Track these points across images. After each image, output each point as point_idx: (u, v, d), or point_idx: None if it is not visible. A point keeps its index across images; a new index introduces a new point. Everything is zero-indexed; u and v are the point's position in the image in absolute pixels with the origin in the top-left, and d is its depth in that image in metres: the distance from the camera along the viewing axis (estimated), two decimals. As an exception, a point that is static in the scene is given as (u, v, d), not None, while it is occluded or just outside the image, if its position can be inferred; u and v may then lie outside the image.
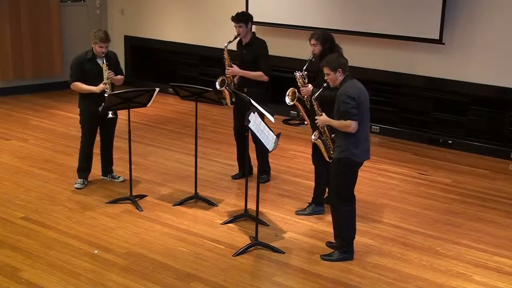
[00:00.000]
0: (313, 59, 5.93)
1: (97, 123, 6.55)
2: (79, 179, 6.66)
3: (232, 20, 6.62)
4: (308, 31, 8.90)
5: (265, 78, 6.61)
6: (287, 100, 5.83)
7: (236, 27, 6.59)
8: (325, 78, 5.19)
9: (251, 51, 6.63)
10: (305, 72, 5.89)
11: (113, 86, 6.40)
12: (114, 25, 11.69)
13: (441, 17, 8.03)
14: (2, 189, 6.57)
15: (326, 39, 5.88)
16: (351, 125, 5.00)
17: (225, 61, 6.69)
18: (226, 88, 6.68)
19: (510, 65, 7.89)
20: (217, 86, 6.68)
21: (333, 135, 5.38)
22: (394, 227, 5.96)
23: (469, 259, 5.38)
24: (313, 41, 5.91)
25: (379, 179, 7.23)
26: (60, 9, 10.86)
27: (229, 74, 6.67)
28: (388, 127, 8.96)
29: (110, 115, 6.26)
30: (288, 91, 5.86)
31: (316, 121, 5.40)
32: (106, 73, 6.29)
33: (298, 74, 5.87)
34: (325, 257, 5.28)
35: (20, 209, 6.09)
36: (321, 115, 5.35)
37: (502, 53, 7.92)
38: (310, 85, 5.84)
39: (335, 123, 5.11)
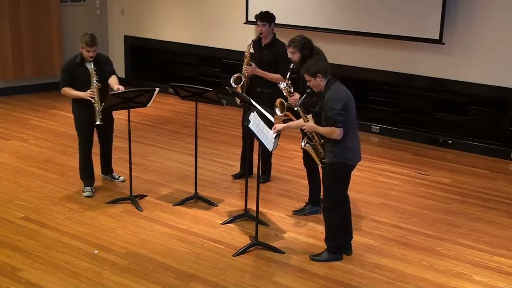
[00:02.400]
0: (293, 67, 5.87)
1: (92, 126, 6.41)
2: (86, 187, 6.50)
3: (255, 19, 6.58)
4: (308, 31, 8.93)
5: (284, 81, 6.60)
6: (277, 111, 5.75)
7: (259, 26, 6.54)
8: (308, 84, 5.17)
9: (271, 52, 6.59)
10: (289, 82, 5.86)
11: (104, 91, 6.24)
12: (114, 25, 11.69)
13: (441, 17, 8.02)
14: (2, 189, 6.57)
15: (304, 45, 5.76)
16: (335, 132, 4.96)
17: (244, 58, 6.62)
18: (241, 86, 6.63)
19: (510, 65, 7.90)
20: (232, 83, 6.63)
21: (322, 140, 5.35)
22: (394, 227, 5.96)
23: (469, 259, 5.38)
24: (291, 49, 5.80)
25: (379, 179, 7.24)
26: (60, 9, 10.86)
27: (247, 73, 6.60)
28: (388, 127, 8.96)
29: (98, 122, 6.14)
30: (276, 102, 5.78)
31: (303, 128, 5.35)
32: (94, 79, 6.16)
33: (282, 85, 5.82)
34: (315, 257, 5.29)
35: (20, 209, 6.09)
36: (308, 121, 5.33)
37: (502, 53, 7.92)
38: (296, 94, 5.81)
39: (321, 129, 5.10)
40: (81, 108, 6.31)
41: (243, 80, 6.61)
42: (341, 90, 5.06)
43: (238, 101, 6.62)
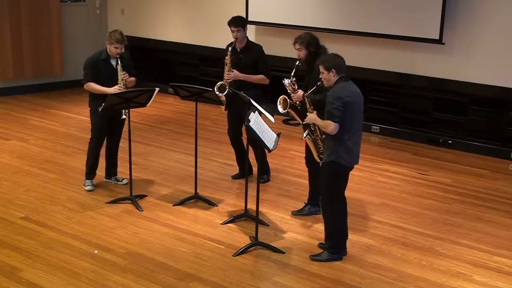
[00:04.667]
0: (299, 64, 5.85)
1: (106, 124, 6.49)
2: (88, 180, 6.59)
3: (229, 25, 6.57)
4: (308, 31, 8.93)
5: (267, 81, 6.64)
6: (280, 108, 5.69)
7: (234, 32, 6.54)
8: (320, 76, 5.16)
9: (249, 55, 6.60)
10: (294, 79, 5.80)
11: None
12: (114, 25, 11.64)
13: (441, 17, 8.02)
14: (2, 189, 6.57)
15: (310, 43, 5.77)
16: (329, 126, 4.94)
17: (225, 66, 6.61)
18: (224, 95, 6.61)
19: (510, 65, 7.90)
20: (216, 92, 6.60)
21: (323, 136, 5.34)
22: (394, 227, 5.96)
23: (469, 259, 5.38)
24: (297, 46, 5.80)
25: (379, 179, 7.24)
26: (60, 9, 10.86)
27: (230, 79, 6.59)
28: (388, 127, 8.96)
29: (123, 116, 6.21)
30: (279, 99, 5.73)
31: (305, 119, 5.37)
32: (121, 74, 6.23)
33: (286, 81, 5.76)
34: (315, 258, 5.29)
35: (20, 209, 6.09)
36: (312, 112, 5.33)
37: (502, 53, 7.92)
38: (300, 91, 5.78)
39: (319, 121, 5.12)
40: (100, 104, 6.27)
41: (227, 89, 6.52)
42: (347, 88, 5.03)
43: (223, 108, 6.64)
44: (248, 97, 5.85)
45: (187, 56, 10.85)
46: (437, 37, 8.10)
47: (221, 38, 10.24)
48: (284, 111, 5.68)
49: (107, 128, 6.57)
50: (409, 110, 8.81)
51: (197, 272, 5.02)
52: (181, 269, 5.06)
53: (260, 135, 5.16)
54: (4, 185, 6.70)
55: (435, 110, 8.60)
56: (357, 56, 8.85)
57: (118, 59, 6.25)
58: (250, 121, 5.14)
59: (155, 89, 6.14)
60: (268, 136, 5.30)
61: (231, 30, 6.57)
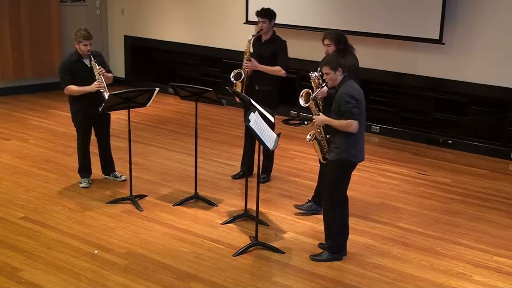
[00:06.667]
0: None
1: (90, 123, 6.55)
2: (83, 179, 6.68)
3: (256, 15, 6.62)
4: (308, 31, 8.95)
5: (283, 72, 6.61)
6: (301, 102, 5.53)
7: (260, 22, 6.58)
8: (324, 77, 5.17)
9: (271, 47, 6.63)
10: (320, 73, 5.75)
11: None
12: (114, 25, 11.69)
13: (441, 17, 8.03)
14: (2, 189, 6.57)
15: (340, 40, 5.83)
16: (352, 125, 4.98)
17: (244, 54, 6.65)
18: (241, 82, 6.64)
19: (510, 65, 7.90)
20: (232, 79, 6.65)
21: (327, 136, 5.34)
22: (394, 227, 5.96)
23: (469, 259, 5.39)
24: (327, 41, 5.84)
25: (379, 179, 7.24)
26: (60, 9, 10.86)
27: (247, 68, 6.62)
28: (388, 127, 8.96)
29: (100, 108, 6.18)
30: (302, 92, 5.59)
31: (314, 121, 5.35)
32: (97, 69, 6.25)
33: (314, 74, 5.59)
34: (315, 257, 5.29)
35: (20, 209, 6.09)
36: (319, 114, 5.32)
37: (502, 53, 7.92)
38: (325, 86, 5.74)
39: (336, 122, 5.08)
40: (79, 105, 6.41)
41: (243, 76, 6.63)
42: (355, 87, 5.10)
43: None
44: (248, 97, 5.85)
45: (187, 56, 10.84)
46: (437, 37, 8.10)
47: (221, 38, 10.28)
48: (306, 105, 5.54)
49: (91, 128, 6.62)
50: (409, 110, 8.81)
51: (197, 272, 5.02)
52: (181, 269, 5.07)
53: (260, 135, 5.16)
54: (4, 185, 6.70)
55: (435, 110, 8.60)
56: (357, 56, 8.84)
57: (91, 57, 6.27)
58: (250, 121, 5.14)
59: (155, 89, 6.15)
60: (268, 136, 5.30)
61: (258, 21, 6.60)
